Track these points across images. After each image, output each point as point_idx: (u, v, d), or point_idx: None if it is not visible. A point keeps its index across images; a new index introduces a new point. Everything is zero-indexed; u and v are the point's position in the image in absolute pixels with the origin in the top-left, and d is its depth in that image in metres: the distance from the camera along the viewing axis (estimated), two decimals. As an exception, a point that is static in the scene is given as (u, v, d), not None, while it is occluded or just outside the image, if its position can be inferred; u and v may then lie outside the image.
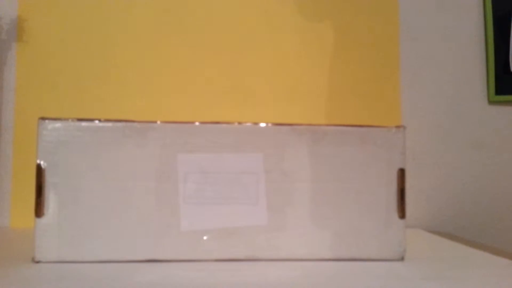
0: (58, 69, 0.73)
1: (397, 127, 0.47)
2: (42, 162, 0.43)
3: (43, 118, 0.43)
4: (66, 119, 0.44)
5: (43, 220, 0.43)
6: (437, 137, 0.78)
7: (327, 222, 0.46)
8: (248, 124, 0.46)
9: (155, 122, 0.45)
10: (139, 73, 0.74)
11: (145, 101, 0.74)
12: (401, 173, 0.47)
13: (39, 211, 0.43)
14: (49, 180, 0.43)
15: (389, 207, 0.46)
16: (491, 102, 0.79)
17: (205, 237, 0.44)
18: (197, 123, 0.45)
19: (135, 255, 0.44)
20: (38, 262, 0.43)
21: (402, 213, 0.46)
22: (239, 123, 0.46)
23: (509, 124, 0.79)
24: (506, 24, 0.79)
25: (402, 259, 0.46)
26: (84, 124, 0.44)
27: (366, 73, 0.77)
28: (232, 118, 0.50)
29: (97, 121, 0.44)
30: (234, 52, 0.76)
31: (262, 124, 0.46)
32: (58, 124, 0.43)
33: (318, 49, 0.77)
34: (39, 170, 0.43)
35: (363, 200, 0.46)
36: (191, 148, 0.45)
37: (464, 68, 0.79)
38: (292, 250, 0.45)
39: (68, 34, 0.74)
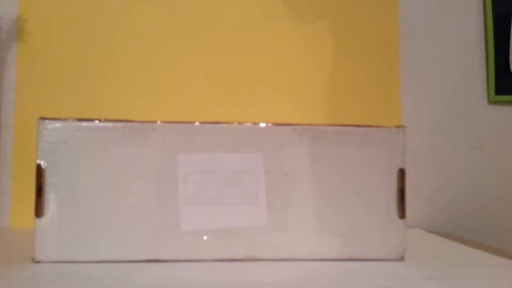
0: (58, 69, 0.73)
1: (397, 127, 0.47)
2: (42, 162, 0.43)
3: (43, 118, 0.43)
4: (66, 119, 0.44)
5: (43, 220, 0.43)
6: (437, 137, 0.78)
7: (327, 222, 0.46)
8: (248, 124, 0.46)
9: (155, 122, 0.45)
10: (139, 73, 0.74)
11: (145, 101, 0.74)
12: (401, 173, 0.47)
13: (39, 211, 0.43)
14: (49, 180, 0.43)
15: (389, 207, 0.46)
16: (491, 102, 0.79)
17: (205, 237, 0.44)
18: (197, 123, 0.45)
19: (135, 255, 0.44)
20: (38, 262, 0.43)
21: (402, 213, 0.46)
22: (239, 123, 0.46)
23: (509, 124, 0.79)
24: (506, 24, 0.79)
25: (402, 259, 0.46)
26: (84, 124, 0.44)
27: (366, 73, 0.77)
28: (232, 118, 0.50)
29: (97, 121, 0.44)
30: (234, 52, 0.76)
31: (262, 124, 0.46)
32: (58, 124, 0.43)
33: (318, 49, 0.77)
34: (39, 170, 0.43)
35: (363, 200, 0.46)
36: (191, 148, 0.45)
37: (464, 68, 0.79)
38: (292, 250, 0.45)
39: (68, 34, 0.74)
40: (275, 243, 0.45)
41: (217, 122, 0.45)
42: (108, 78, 0.73)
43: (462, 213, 0.78)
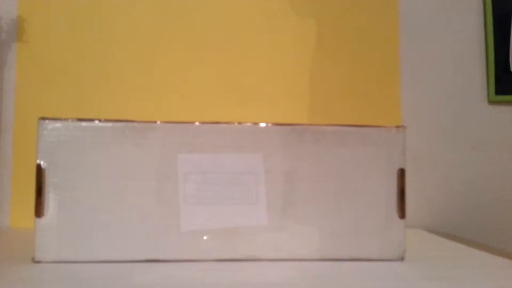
0: (58, 69, 0.73)
1: (397, 127, 0.47)
2: (42, 162, 0.43)
3: (43, 118, 0.43)
4: (66, 119, 0.44)
5: (43, 220, 0.43)
6: (437, 137, 0.78)
7: (327, 222, 0.46)
8: (248, 124, 0.46)
9: (155, 122, 0.45)
10: (139, 73, 0.74)
11: (145, 101, 0.74)
12: (401, 173, 0.47)
13: (39, 211, 0.43)
14: (49, 180, 0.43)
15: (389, 207, 0.46)
16: (491, 102, 0.79)
17: (205, 237, 0.44)
18: (197, 123, 0.45)
19: (135, 255, 0.44)
20: (38, 262, 0.43)
21: (402, 213, 0.46)
22: (239, 123, 0.46)
23: (509, 124, 0.79)
24: (506, 24, 0.79)
25: (402, 259, 0.46)
26: (84, 124, 0.44)
27: (366, 73, 0.77)
28: (232, 118, 0.50)
29: (97, 121, 0.44)
30: (234, 52, 0.76)
31: (262, 124, 0.46)
32: (58, 124, 0.43)
33: (318, 49, 0.77)
34: (39, 170, 0.43)
35: (363, 200, 0.46)
36: (191, 148, 0.45)
37: (464, 68, 0.79)
38: (292, 250, 0.45)
39: (68, 34, 0.73)
40: (275, 243, 0.45)
41: (217, 122, 0.45)
42: (108, 78, 0.73)
43: (462, 213, 0.78)
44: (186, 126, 0.45)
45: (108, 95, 0.73)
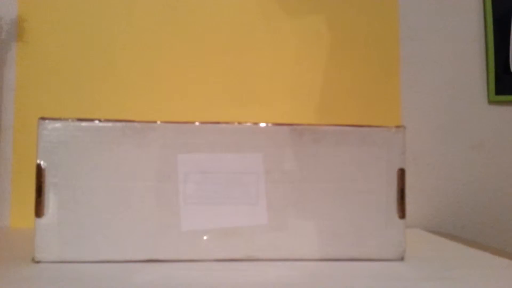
0: (58, 69, 0.73)
1: (397, 127, 0.47)
2: (42, 162, 0.43)
3: (43, 118, 0.43)
4: (66, 119, 0.44)
5: (43, 220, 0.43)
6: (437, 137, 0.78)
7: (327, 222, 0.46)
8: (248, 124, 0.46)
9: (155, 122, 0.45)
10: (139, 73, 0.74)
11: (145, 101, 0.74)
12: (401, 173, 0.47)
13: (39, 211, 0.43)
14: (49, 180, 0.43)
15: (389, 207, 0.46)
16: (491, 102, 0.79)
17: (205, 237, 0.44)
18: (197, 123, 0.45)
19: (135, 255, 0.44)
20: (38, 262, 0.43)
21: (402, 213, 0.46)
22: (239, 123, 0.46)
23: (509, 124, 0.79)
24: (506, 24, 0.79)
25: (402, 259, 0.46)
26: (84, 124, 0.44)
27: (366, 73, 0.77)
28: (232, 118, 0.50)
29: (97, 121, 0.44)
30: (234, 52, 0.76)
31: (262, 124, 0.46)
32: (58, 124, 0.43)
33: (318, 49, 0.77)
34: (39, 170, 0.43)
35: (363, 200, 0.46)
36: (191, 148, 0.45)
37: (464, 68, 0.79)
38: (292, 250, 0.45)
39: (68, 34, 0.73)
40: (275, 243, 0.45)
41: (217, 122, 0.45)
42: (108, 78, 0.73)
43: (462, 213, 0.78)
44: (186, 126, 0.45)
45: (108, 95, 0.73)
